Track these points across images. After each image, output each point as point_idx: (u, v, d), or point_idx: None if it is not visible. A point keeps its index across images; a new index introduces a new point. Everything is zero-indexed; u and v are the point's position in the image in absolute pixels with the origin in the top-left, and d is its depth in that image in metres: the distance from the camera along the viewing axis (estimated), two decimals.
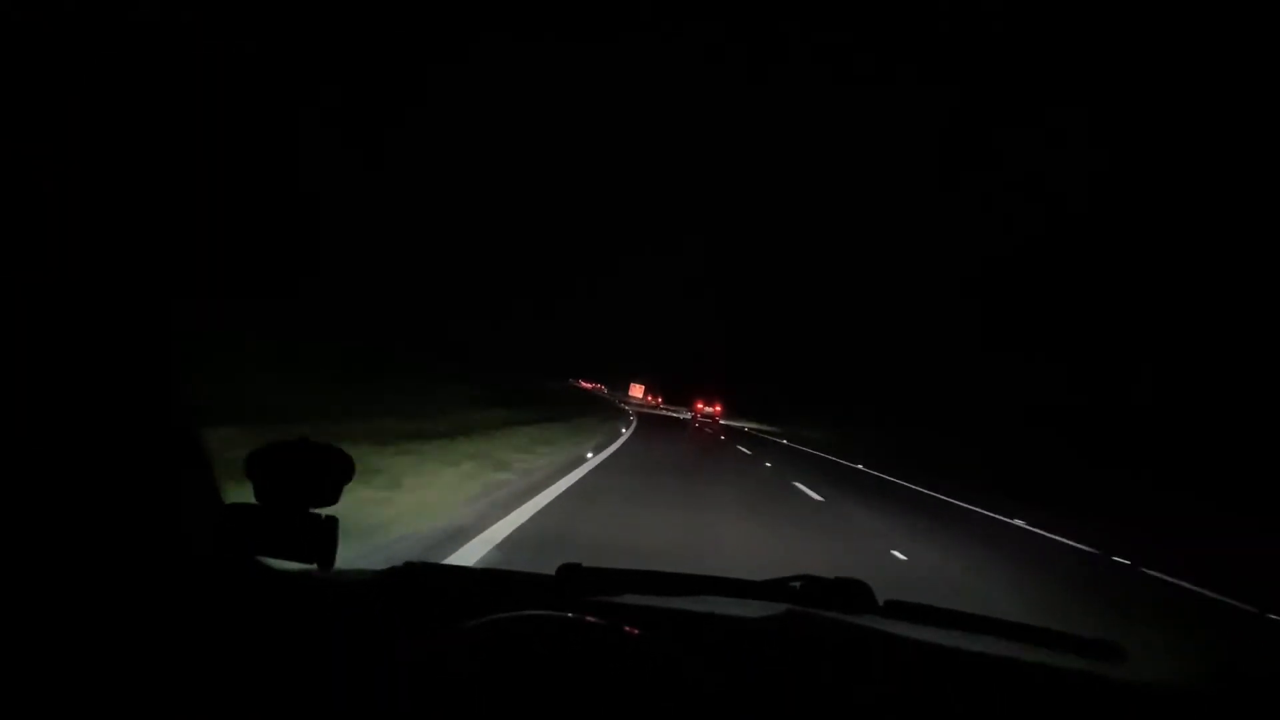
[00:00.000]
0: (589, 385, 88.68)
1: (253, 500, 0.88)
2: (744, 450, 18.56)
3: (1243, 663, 4.42)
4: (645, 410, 55.58)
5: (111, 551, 0.73)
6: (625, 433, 17.90)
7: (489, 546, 3.82)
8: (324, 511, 0.90)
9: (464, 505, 4.84)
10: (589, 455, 9.83)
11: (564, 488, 6.34)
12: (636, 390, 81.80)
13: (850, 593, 1.08)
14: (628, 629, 0.78)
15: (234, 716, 0.74)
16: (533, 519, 4.73)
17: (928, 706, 0.92)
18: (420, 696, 0.69)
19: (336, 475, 0.90)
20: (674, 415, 51.16)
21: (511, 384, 26.36)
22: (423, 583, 1.02)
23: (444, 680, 0.70)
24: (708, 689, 0.74)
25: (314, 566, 0.90)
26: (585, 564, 1.05)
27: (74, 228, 0.69)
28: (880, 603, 1.08)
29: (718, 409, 54.58)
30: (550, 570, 1.05)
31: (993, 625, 1.10)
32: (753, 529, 5.80)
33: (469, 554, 3.61)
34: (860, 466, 18.37)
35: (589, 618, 0.78)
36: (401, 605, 0.94)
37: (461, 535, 3.95)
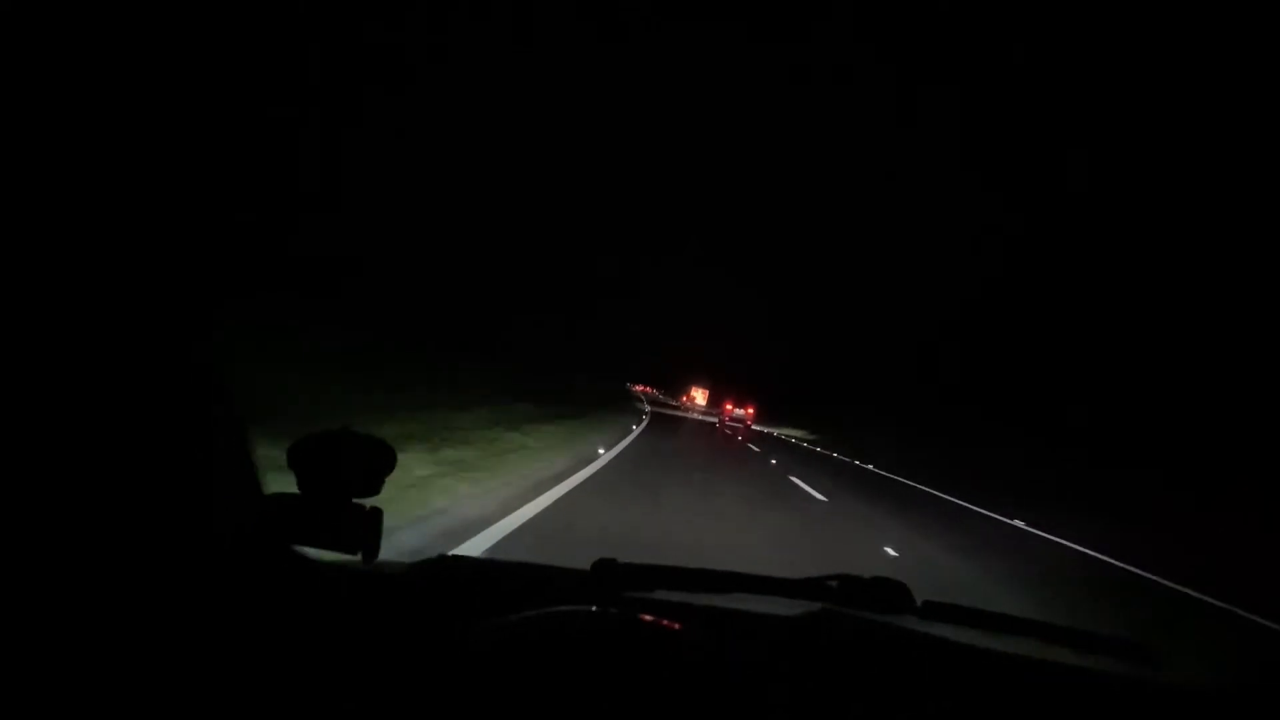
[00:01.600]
0: (641, 389, 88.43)
1: (295, 490, 0.88)
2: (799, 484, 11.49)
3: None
4: (668, 410, 47.49)
5: (150, 539, 0.72)
6: (636, 429, 17.96)
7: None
8: (368, 502, 0.90)
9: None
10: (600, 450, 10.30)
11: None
12: (699, 394, 61.08)
13: (887, 592, 1.07)
14: (667, 623, 0.79)
15: (266, 707, 0.74)
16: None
17: (967, 708, 0.92)
18: (459, 690, 0.70)
19: (379, 466, 0.90)
20: (704, 419, 43.94)
21: (549, 383, 26.54)
22: (457, 576, 1.03)
23: (482, 675, 0.71)
24: (747, 686, 0.75)
25: (353, 557, 0.90)
26: (620, 559, 1.06)
27: (114, 224, 0.70)
28: (918, 603, 1.08)
29: (750, 411, 46.94)
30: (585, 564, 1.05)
31: (1030, 627, 1.11)
32: None
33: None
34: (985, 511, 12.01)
35: (628, 613, 0.80)
36: (437, 598, 0.95)
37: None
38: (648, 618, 0.80)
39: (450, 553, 1.09)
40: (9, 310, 0.62)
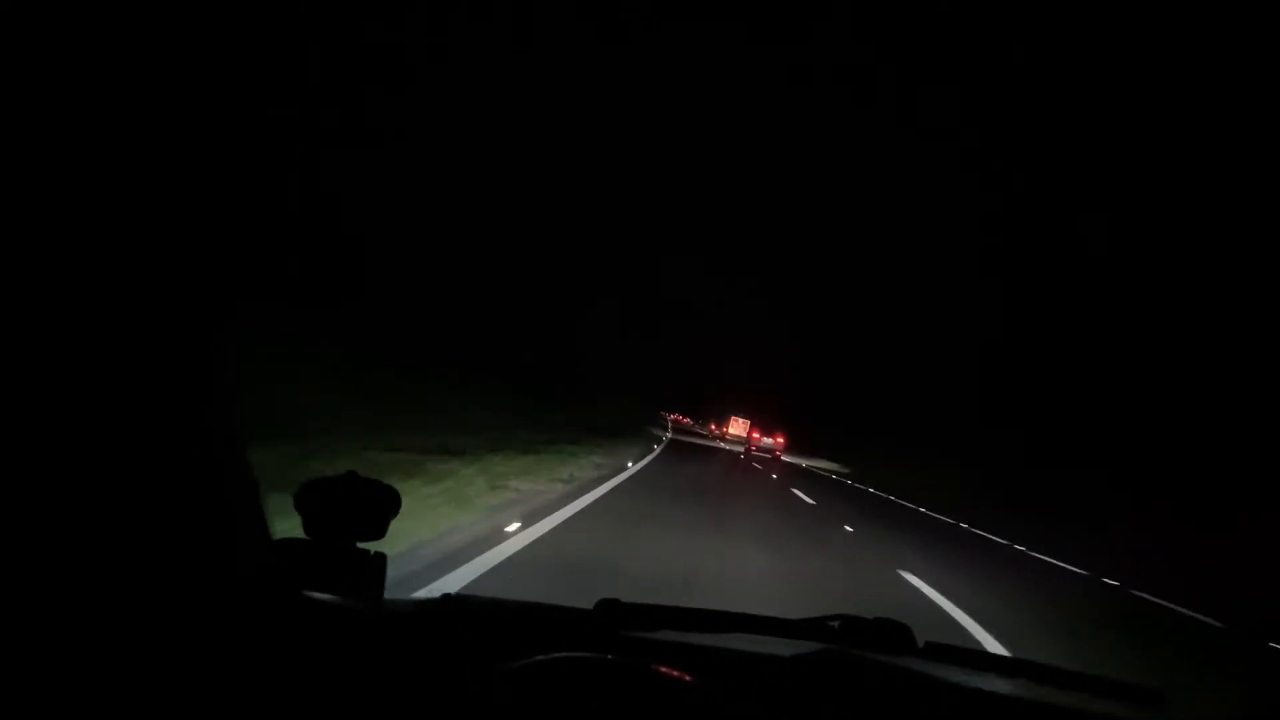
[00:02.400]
0: (675, 417, 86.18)
1: (301, 535, 0.91)
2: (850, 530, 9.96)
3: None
4: (692, 439, 42.67)
5: (158, 582, 0.71)
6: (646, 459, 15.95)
7: None
8: (372, 547, 0.92)
9: None
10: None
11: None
12: (737, 426, 49.96)
13: (889, 633, 1.08)
14: (677, 673, 0.79)
15: None
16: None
17: None
18: None
19: (384, 510, 0.93)
20: (725, 448, 39.29)
21: (568, 406, 25.19)
22: (461, 616, 1.04)
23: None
24: None
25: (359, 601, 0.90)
26: (623, 599, 1.06)
27: (111, 236, 0.67)
28: (920, 644, 1.08)
29: (779, 440, 38.47)
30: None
31: (1032, 669, 1.11)
32: None
33: None
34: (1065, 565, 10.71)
35: (631, 659, 0.80)
36: (443, 640, 0.96)
37: None
38: (660, 668, 0.80)
39: (455, 592, 1.12)
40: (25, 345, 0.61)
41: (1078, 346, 31.21)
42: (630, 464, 13.65)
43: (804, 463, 39.72)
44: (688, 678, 0.78)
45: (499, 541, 4.74)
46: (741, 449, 38.26)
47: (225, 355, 0.77)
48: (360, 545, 0.92)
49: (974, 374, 40.07)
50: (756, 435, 39.15)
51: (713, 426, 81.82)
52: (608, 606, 1.05)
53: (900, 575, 6.78)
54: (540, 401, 23.68)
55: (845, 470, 36.70)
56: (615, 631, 1.02)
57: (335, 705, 0.78)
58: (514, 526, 5.32)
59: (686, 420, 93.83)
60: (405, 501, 1.02)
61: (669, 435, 38.98)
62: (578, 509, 6.86)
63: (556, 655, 0.78)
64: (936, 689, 1.00)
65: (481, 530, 5.00)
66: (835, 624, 1.08)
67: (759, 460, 29.73)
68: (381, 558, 0.93)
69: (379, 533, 0.93)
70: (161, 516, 0.71)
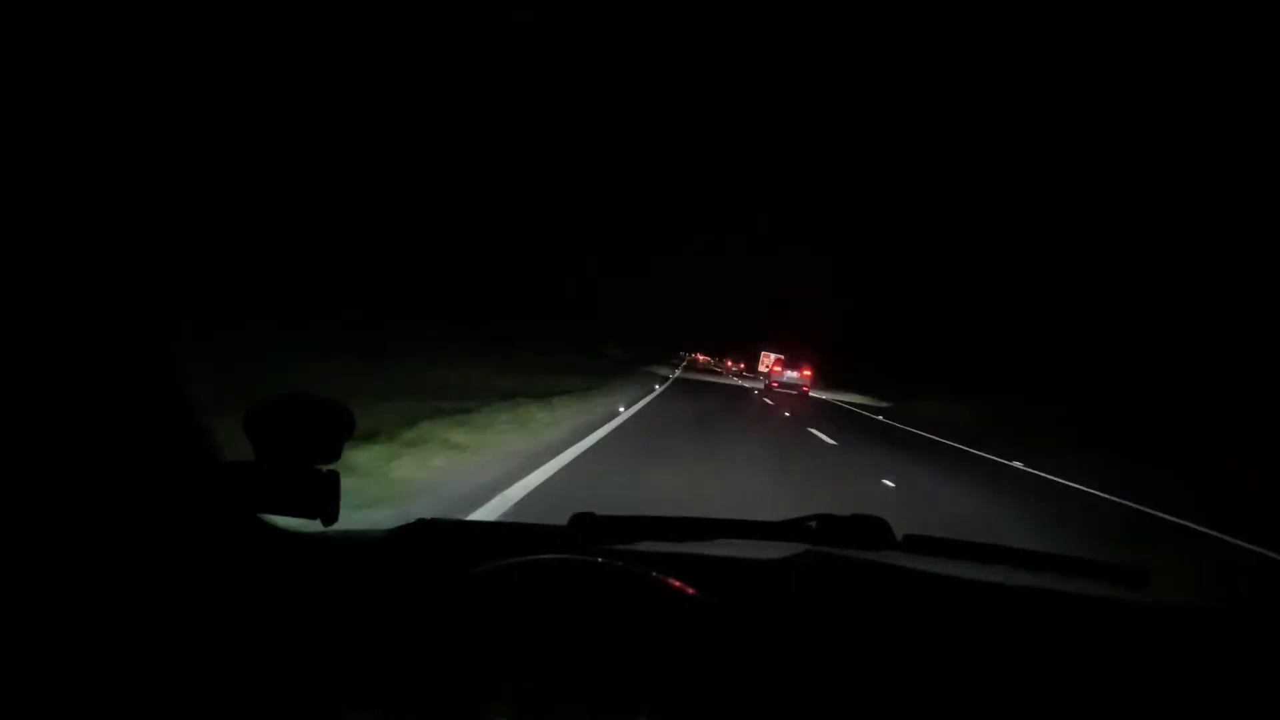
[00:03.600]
0: (694, 356, 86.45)
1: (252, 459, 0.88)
2: None
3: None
4: (705, 378, 36.15)
5: (112, 517, 0.71)
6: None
7: None
8: (325, 467, 0.90)
9: None
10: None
11: None
12: (771, 363, 37.31)
13: (867, 529, 1.09)
14: (642, 571, 0.79)
15: (248, 679, 0.76)
16: None
17: (952, 638, 0.95)
18: (431, 643, 0.73)
19: (337, 430, 0.90)
20: (738, 384, 34.21)
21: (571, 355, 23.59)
22: (436, 538, 1.06)
23: (453, 622, 0.74)
24: (725, 629, 0.77)
25: (319, 524, 0.90)
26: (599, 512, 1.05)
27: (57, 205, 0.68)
28: (899, 538, 1.09)
29: (807, 374, 30.98)
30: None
31: (1012, 555, 1.12)
32: None
33: None
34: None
35: (599, 560, 0.80)
36: (415, 560, 0.98)
37: None
38: (613, 564, 0.80)
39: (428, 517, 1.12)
40: None
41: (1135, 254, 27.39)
42: (587, 435, 8.24)
43: (830, 397, 34.19)
44: (653, 575, 0.79)
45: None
46: (737, 380, 34.80)
47: (157, 307, 0.76)
48: (316, 466, 0.89)
49: (1024, 294, 35.57)
50: (778, 369, 32.41)
51: (729, 364, 79.32)
52: (583, 520, 1.06)
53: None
54: (542, 353, 22.23)
55: (882, 404, 30.39)
56: (591, 544, 1.01)
57: (300, 620, 0.81)
58: None
59: (704, 358, 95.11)
60: None
61: (676, 374, 33.91)
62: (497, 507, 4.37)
63: (517, 560, 0.79)
64: (915, 580, 1.06)
65: None
66: (813, 524, 1.09)
67: (775, 396, 25.45)
68: (334, 476, 0.90)
69: (334, 454, 0.90)
70: (110, 451, 0.71)
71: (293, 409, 0.88)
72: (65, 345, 0.66)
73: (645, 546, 1.04)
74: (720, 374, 54.35)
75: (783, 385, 30.67)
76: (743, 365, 67.86)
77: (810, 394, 30.73)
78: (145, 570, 0.71)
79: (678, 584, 0.78)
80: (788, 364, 32.35)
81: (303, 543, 0.94)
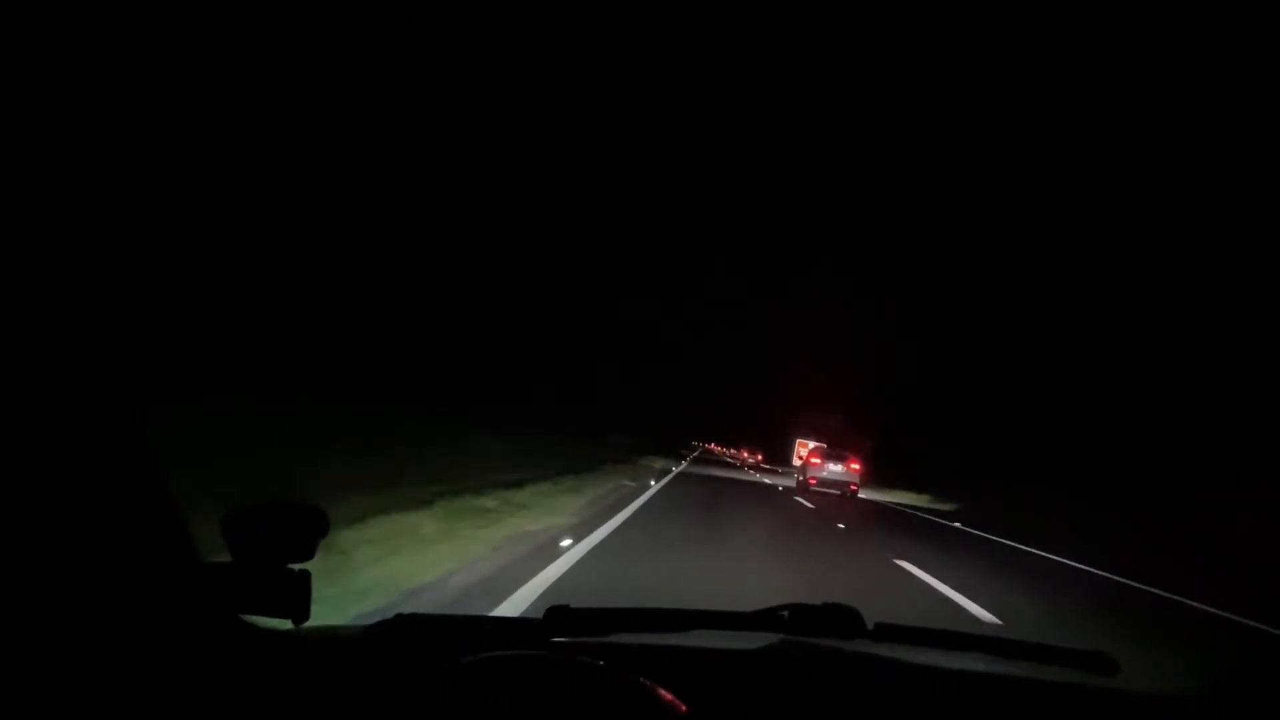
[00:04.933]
0: (718, 449, 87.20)
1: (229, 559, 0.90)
2: None
3: (1238, 673, 4.30)
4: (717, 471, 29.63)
5: (93, 616, 0.73)
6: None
7: None
8: (298, 566, 0.92)
9: None
10: None
11: None
12: (809, 453, 24.04)
13: (840, 619, 1.07)
14: (592, 661, 0.81)
15: None
16: None
17: None
18: None
19: (312, 530, 0.92)
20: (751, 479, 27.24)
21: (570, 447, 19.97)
22: (413, 634, 1.04)
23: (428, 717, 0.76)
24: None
25: (290, 623, 0.92)
26: (574, 604, 1.05)
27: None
28: (869, 626, 1.08)
29: (856, 468, 22.32)
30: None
31: (982, 643, 1.12)
32: None
33: None
34: None
35: (570, 657, 0.83)
36: (390, 657, 0.98)
37: None
38: (584, 660, 0.82)
39: (406, 612, 1.07)
40: None
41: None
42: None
43: (879, 497, 26.67)
44: (621, 670, 0.80)
45: None
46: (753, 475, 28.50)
47: (137, 409, 0.79)
48: (289, 566, 0.91)
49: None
50: (816, 461, 22.54)
51: (744, 454, 75.39)
52: (559, 613, 1.04)
53: None
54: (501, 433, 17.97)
55: (947, 508, 23.70)
56: (566, 637, 1.03)
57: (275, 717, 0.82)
58: None
59: (720, 449, 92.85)
60: None
61: (681, 467, 27.26)
62: None
63: (484, 655, 0.80)
64: (885, 669, 1.07)
65: None
66: (785, 614, 1.07)
67: (814, 496, 19.00)
68: (306, 576, 0.92)
69: (309, 554, 0.92)
70: (88, 545, 0.73)
71: (268, 511, 0.90)
72: (51, 451, 0.70)
73: (621, 638, 1.04)
74: (735, 465, 48.11)
75: (824, 483, 21.59)
76: (760, 457, 63.59)
77: (860, 494, 22.71)
78: (125, 669, 0.73)
79: (667, 695, 0.78)
80: (829, 454, 22.87)
81: (279, 641, 0.96)
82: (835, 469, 21.79)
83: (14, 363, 0.67)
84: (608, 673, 0.79)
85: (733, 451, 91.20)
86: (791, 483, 24.74)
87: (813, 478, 21.85)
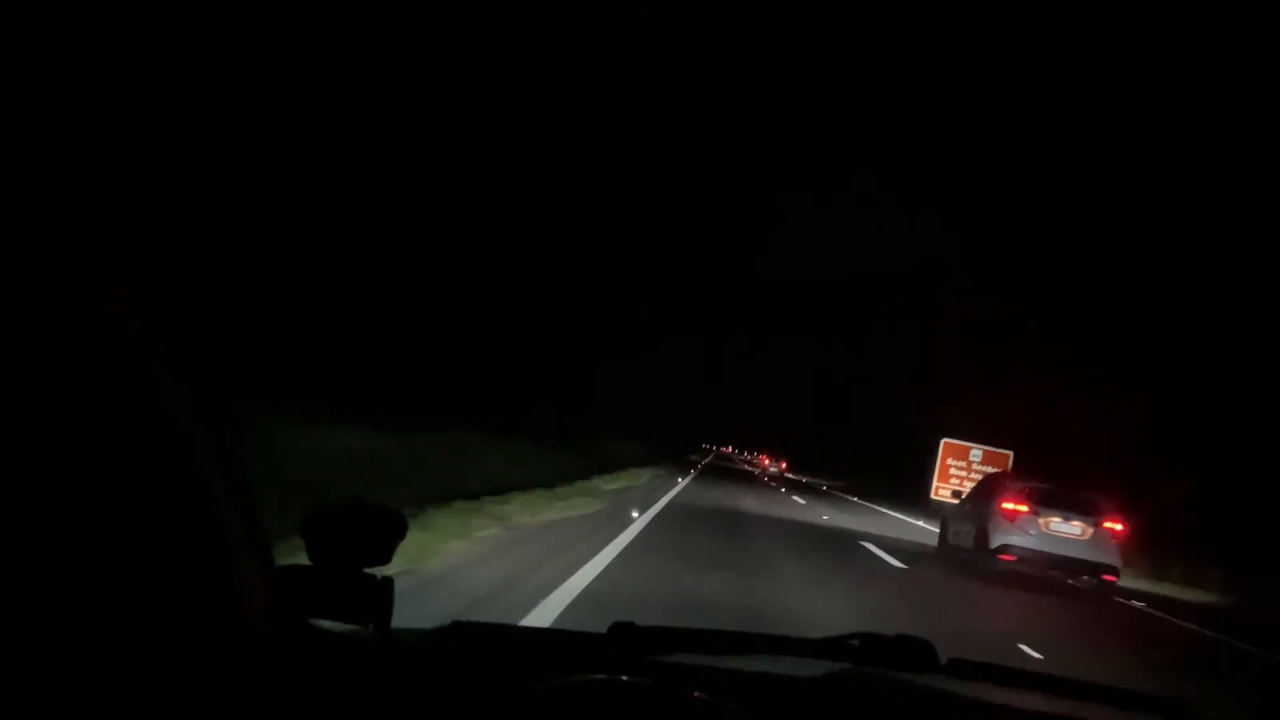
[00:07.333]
0: (728, 451, 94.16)
1: (306, 562, 0.90)
2: None
3: None
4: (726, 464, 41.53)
5: (162, 616, 0.73)
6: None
7: None
8: (378, 572, 0.92)
9: None
10: None
11: None
12: (766, 460, 60.04)
13: (912, 651, 1.06)
14: (696, 694, 0.80)
15: None
16: None
17: None
18: None
19: (390, 535, 0.92)
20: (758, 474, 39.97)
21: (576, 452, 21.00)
22: (472, 643, 1.05)
23: None
24: None
25: (366, 627, 0.92)
26: (638, 622, 1.06)
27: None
28: (943, 660, 1.07)
29: (783, 465, 44.30)
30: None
31: (1057, 684, 1.12)
32: None
33: None
34: None
35: (652, 682, 0.81)
36: (454, 667, 0.98)
37: None
38: (668, 688, 0.81)
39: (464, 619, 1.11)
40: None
41: None
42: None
43: (805, 479, 44.59)
44: (703, 697, 0.79)
45: None
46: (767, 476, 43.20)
47: (209, 398, 0.80)
48: (367, 570, 0.90)
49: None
50: (766, 462, 56.26)
51: (764, 459, 78.96)
52: (622, 630, 1.04)
53: None
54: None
55: (840, 483, 41.87)
56: (631, 655, 1.03)
57: None
58: None
59: (731, 451, 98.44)
60: None
61: (684, 483, 25.44)
62: None
63: (569, 680, 0.79)
64: (963, 707, 1.03)
65: None
66: (855, 642, 1.07)
67: (770, 477, 39.61)
68: (389, 582, 0.91)
69: (385, 558, 0.92)
70: (160, 549, 0.74)
71: (348, 514, 0.90)
72: (123, 454, 0.70)
73: (684, 659, 1.04)
74: (753, 473, 45.34)
75: (1041, 559, 9.26)
76: (784, 464, 57.44)
77: (787, 474, 31.64)
78: (193, 675, 0.74)
79: (734, 712, 0.77)
80: (1053, 498, 9.72)
81: (344, 645, 0.96)
82: (1070, 529, 9.55)
83: (108, 371, 0.66)
84: (702, 707, 0.77)
85: (747, 456, 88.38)
86: (894, 528, 16.16)
87: (1010, 548, 9.32)
